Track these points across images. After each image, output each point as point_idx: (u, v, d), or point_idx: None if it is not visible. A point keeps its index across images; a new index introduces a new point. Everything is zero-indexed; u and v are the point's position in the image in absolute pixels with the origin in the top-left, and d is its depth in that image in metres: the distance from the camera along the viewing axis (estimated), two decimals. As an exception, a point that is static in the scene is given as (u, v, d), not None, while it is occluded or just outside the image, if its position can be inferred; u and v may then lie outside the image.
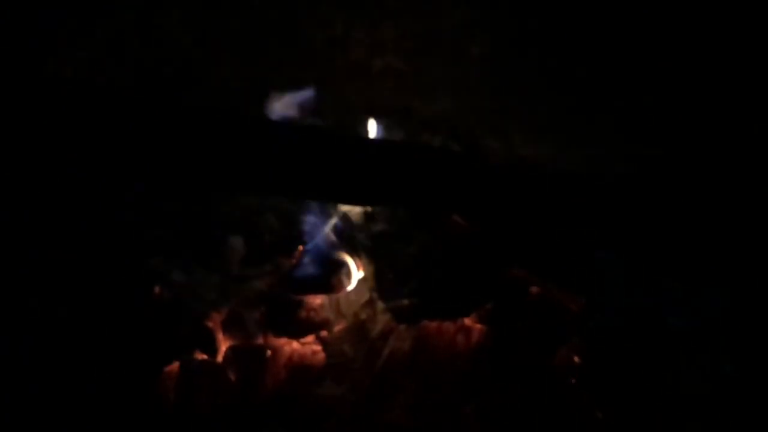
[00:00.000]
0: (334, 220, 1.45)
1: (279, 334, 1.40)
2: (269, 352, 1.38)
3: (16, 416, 1.26)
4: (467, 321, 1.38)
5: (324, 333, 1.40)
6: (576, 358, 1.34)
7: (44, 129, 1.14)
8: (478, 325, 1.38)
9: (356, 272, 1.42)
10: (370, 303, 1.41)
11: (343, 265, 1.41)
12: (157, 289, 1.40)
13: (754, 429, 1.27)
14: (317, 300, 1.41)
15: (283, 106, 1.48)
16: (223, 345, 1.40)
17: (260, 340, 1.40)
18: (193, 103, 1.31)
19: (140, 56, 1.58)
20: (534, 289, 1.40)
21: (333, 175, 1.30)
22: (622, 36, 1.49)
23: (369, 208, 1.46)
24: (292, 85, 1.52)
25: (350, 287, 1.42)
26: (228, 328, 1.41)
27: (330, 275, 1.40)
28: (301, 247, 1.43)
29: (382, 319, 1.37)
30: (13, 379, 1.28)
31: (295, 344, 1.41)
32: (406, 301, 1.37)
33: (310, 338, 1.41)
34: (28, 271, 1.36)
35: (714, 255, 1.37)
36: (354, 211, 1.46)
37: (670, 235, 1.43)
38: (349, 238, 1.43)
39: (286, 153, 1.26)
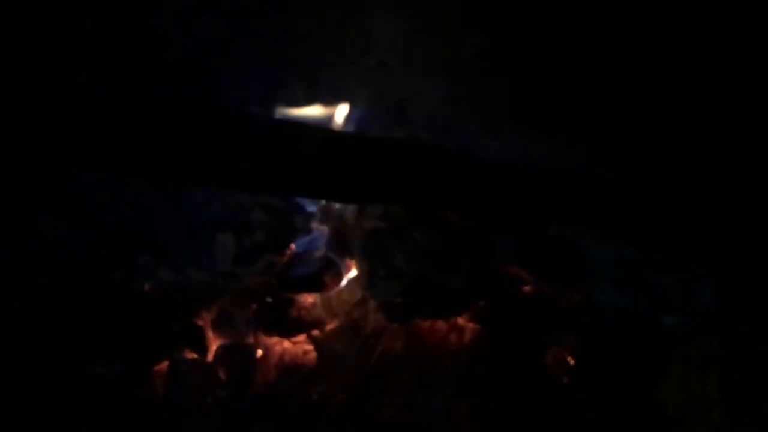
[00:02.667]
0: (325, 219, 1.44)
1: (270, 332, 1.39)
2: (260, 351, 1.37)
3: (3, 414, 1.24)
4: (460, 320, 1.37)
5: (315, 332, 1.39)
6: (569, 358, 1.34)
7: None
8: (471, 324, 1.37)
9: (348, 270, 1.41)
10: (362, 301, 1.39)
11: (335, 263, 1.40)
12: (146, 287, 1.39)
13: (747, 426, 1.27)
14: (309, 298, 1.40)
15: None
16: (214, 344, 1.39)
17: (251, 339, 1.39)
18: (186, 101, 1.29)
19: (130, 56, 1.56)
20: (527, 288, 1.39)
21: (325, 172, 1.29)
22: (618, 37, 1.48)
23: (362, 206, 1.44)
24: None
25: (342, 285, 1.41)
26: (218, 326, 1.40)
27: (322, 273, 1.39)
28: (292, 245, 1.42)
29: (375, 318, 1.36)
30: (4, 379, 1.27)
31: (286, 343, 1.40)
32: (398, 300, 1.35)
33: (301, 337, 1.40)
34: (17, 270, 1.35)
35: (707, 251, 1.37)
36: (347, 208, 1.44)
37: (660, 233, 1.43)
38: (341, 236, 1.42)
39: (278, 149, 1.25)
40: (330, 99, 1.56)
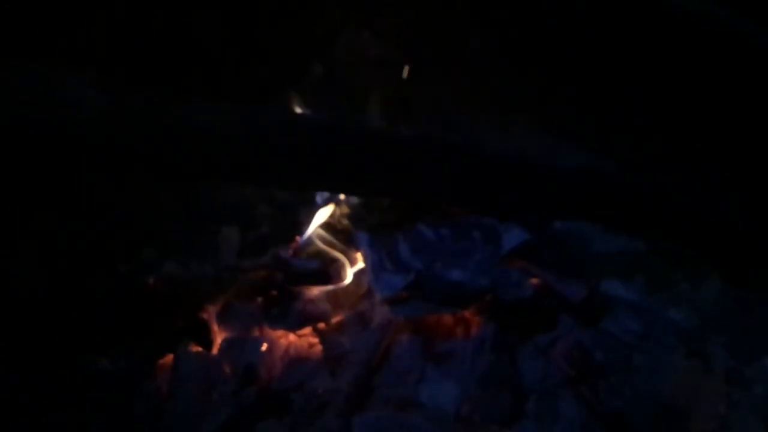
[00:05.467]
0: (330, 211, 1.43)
1: (275, 326, 1.38)
2: (265, 345, 1.36)
3: (9, 410, 1.23)
4: (466, 313, 1.36)
5: (321, 325, 1.38)
6: (576, 352, 1.33)
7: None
8: (478, 318, 1.36)
9: (354, 264, 1.40)
10: (368, 295, 1.39)
11: (342, 256, 1.39)
12: (151, 280, 1.38)
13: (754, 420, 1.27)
14: (315, 291, 1.39)
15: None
16: (219, 337, 1.38)
17: (256, 333, 1.38)
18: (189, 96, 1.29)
19: (135, 47, 1.55)
20: (534, 281, 1.39)
21: (331, 165, 1.28)
22: (625, 33, 1.48)
23: (368, 199, 1.44)
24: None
25: (348, 279, 1.40)
26: (223, 320, 1.39)
27: (328, 266, 1.38)
28: (297, 238, 1.41)
29: (381, 311, 1.36)
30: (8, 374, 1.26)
31: (291, 336, 1.39)
32: (404, 293, 1.35)
33: (307, 330, 1.39)
34: (22, 264, 1.34)
35: (714, 245, 1.37)
36: (353, 201, 1.44)
37: (666, 227, 1.43)
38: (347, 228, 1.41)
39: (282, 143, 1.25)
40: (334, 93, 1.56)
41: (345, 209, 1.44)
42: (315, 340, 1.38)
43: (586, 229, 1.41)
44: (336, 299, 1.39)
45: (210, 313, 1.38)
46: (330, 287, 1.39)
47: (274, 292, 1.39)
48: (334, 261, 1.38)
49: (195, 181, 1.45)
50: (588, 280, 1.38)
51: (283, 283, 1.39)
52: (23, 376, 1.26)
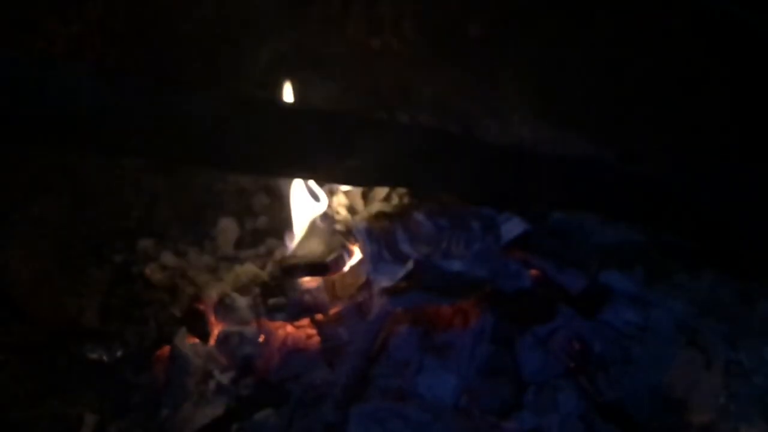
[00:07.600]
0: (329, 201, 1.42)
1: (273, 317, 1.37)
2: (262, 336, 1.35)
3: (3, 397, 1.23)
4: (465, 304, 1.36)
5: (319, 316, 1.38)
6: (576, 343, 1.33)
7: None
8: (476, 309, 1.36)
9: (352, 254, 1.39)
10: (366, 285, 1.38)
11: (339, 246, 1.38)
12: (147, 271, 1.38)
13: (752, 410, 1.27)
14: (312, 282, 1.38)
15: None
16: (216, 328, 1.37)
17: (253, 324, 1.37)
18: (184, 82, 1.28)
19: (129, 34, 1.54)
20: (533, 272, 1.38)
21: (328, 154, 1.28)
22: (624, 19, 1.47)
23: (366, 189, 1.43)
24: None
25: (346, 269, 1.39)
26: (220, 311, 1.38)
27: (325, 257, 1.37)
28: (295, 228, 1.41)
29: (379, 302, 1.35)
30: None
31: (289, 327, 1.38)
32: (403, 284, 1.34)
33: (304, 321, 1.38)
34: (18, 253, 1.33)
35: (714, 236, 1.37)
36: (351, 191, 1.43)
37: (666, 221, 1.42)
38: (345, 219, 1.40)
39: (279, 132, 1.24)
40: (333, 82, 1.55)
41: (343, 199, 1.43)
42: (312, 331, 1.37)
43: (585, 219, 1.40)
44: (334, 290, 1.39)
45: (207, 303, 1.38)
46: (328, 278, 1.38)
47: (272, 283, 1.39)
48: (332, 251, 1.37)
49: (189, 168, 1.44)
50: (587, 270, 1.37)
51: (280, 273, 1.38)
52: (20, 366, 1.26)
